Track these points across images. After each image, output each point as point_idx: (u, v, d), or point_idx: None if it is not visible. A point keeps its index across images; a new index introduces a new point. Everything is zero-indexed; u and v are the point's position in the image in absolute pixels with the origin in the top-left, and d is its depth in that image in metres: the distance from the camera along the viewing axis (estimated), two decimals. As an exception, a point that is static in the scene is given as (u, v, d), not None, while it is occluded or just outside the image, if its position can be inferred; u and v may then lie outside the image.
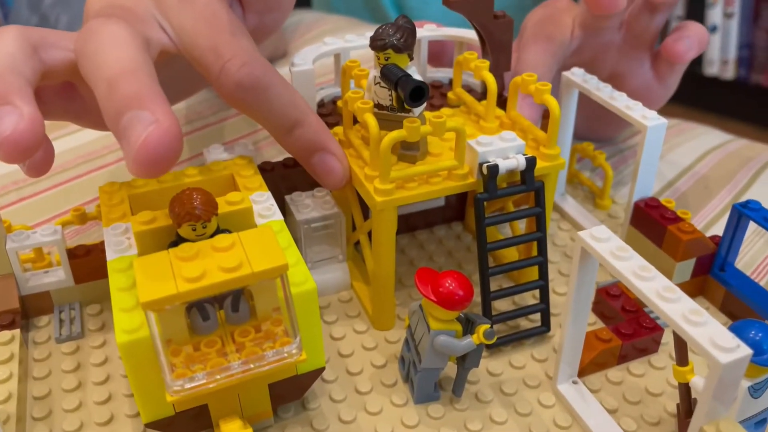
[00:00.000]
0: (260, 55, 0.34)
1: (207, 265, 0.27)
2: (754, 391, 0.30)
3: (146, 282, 0.26)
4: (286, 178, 0.42)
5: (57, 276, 0.39)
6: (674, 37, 0.47)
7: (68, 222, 0.42)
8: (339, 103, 0.42)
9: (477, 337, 0.32)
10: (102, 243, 0.40)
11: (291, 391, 0.33)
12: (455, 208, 0.47)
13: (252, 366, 0.28)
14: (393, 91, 0.35)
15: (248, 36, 0.35)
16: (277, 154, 0.57)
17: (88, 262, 0.39)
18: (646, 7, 0.46)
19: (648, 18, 0.47)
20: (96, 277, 0.40)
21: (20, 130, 0.28)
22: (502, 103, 0.41)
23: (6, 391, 0.33)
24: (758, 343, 0.29)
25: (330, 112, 0.43)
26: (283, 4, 0.41)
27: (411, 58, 0.35)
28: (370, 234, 0.38)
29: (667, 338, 0.38)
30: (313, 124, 0.36)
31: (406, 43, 0.34)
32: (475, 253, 0.45)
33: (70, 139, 0.59)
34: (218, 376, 0.27)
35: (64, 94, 0.37)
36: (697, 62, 1.47)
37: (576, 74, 0.44)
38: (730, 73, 1.49)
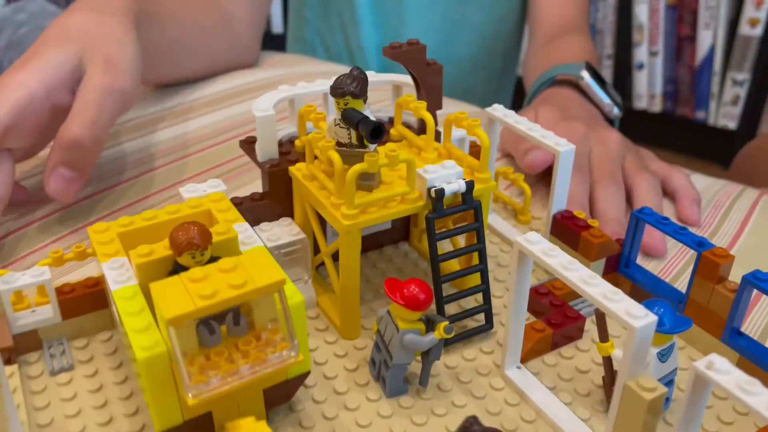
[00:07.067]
0: None
1: (217, 284, 0.31)
2: (662, 356, 0.37)
3: (166, 302, 0.31)
4: (252, 211, 0.47)
5: (45, 314, 0.42)
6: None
7: (47, 264, 0.45)
8: (297, 142, 0.48)
9: (438, 333, 0.38)
10: (87, 279, 0.43)
11: (281, 395, 0.38)
12: (400, 229, 0.54)
13: (258, 369, 0.32)
14: (352, 131, 0.41)
15: None
16: (236, 187, 0.61)
17: (73, 300, 0.42)
18: None
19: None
20: (81, 313, 0.43)
21: None
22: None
23: (15, 420, 0.36)
24: (661, 316, 0.36)
25: (288, 150, 0.48)
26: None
27: (365, 102, 0.41)
28: (333, 256, 0.43)
29: (588, 326, 0.46)
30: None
31: (362, 90, 0.40)
32: (422, 268, 0.51)
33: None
34: (230, 379, 0.32)
35: None
36: (627, 97, 1.60)
37: (497, 110, 0.52)
38: (657, 106, 1.62)
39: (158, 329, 0.33)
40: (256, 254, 0.34)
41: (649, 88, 1.58)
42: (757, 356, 0.41)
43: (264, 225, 0.46)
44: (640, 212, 0.46)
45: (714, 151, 1.62)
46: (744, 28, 1.43)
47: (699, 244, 0.43)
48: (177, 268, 0.36)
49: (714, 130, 1.61)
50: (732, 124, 1.56)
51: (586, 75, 0.66)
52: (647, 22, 1.53)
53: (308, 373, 0.38)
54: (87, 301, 0.43)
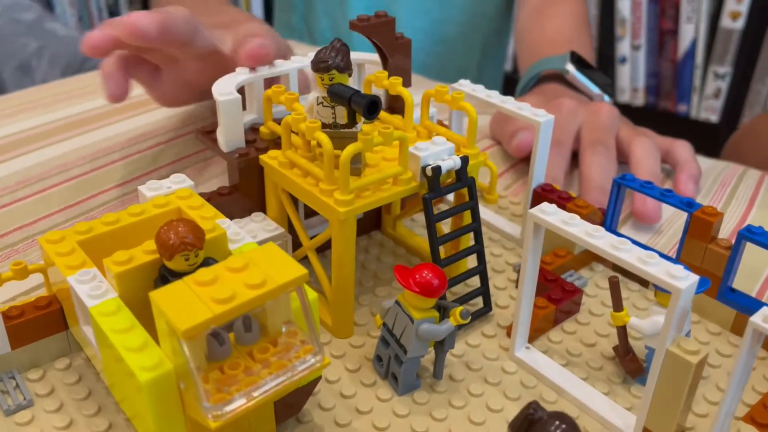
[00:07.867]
0: None
1: (232, 286, 0.27)
2: (678, 319, 0.37)
3: (176, 312, 0.26)
4: (222, 207, 0.41)
5: (-10, 344, 0.36)
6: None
7: (-19, 287, 0.38)
8: (263, 128, 0.44)
9: (454, 319, 0.36)
10: (38, 300, 0.37)
11: (291, 406, 0.34)
12: (371, 218, 0.50)
13: (284, 378, 0.28)
14: (337, 110, 0.37)
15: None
16: (203, 180, 0.56)
17: (23, 325, 0.36)
18: None
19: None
20: (33, 339, 0.37)
21: None
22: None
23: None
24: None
25: (254, 138, 0.44)
26: None
27: (350, 75, 0.37)
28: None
29: (584, 299, 0.45)
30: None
31: (347, 62, 0.37)
32: (403, 255, 0.49)
33: None
34: (254, 394, 0.28)
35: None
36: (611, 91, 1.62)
37: (464, 85, 0.50)
38: (640, 100, 1.61)
39: (157, 345, 0.28)
40: (268, 250, 0.29)
41: (631, 82, 1.60)
42: (754, 311, 0.41)
43: (236, 222, 0.42)
44: (622, 178, 0.46)
45: (697, 144, 1.62)
46: (726, 22, 1.45)
47: (688, 205, 0.43)
48: (165, 274, 0.31)
49: (696, 123, 1.60)
50: (714, 117, 1.57)
51: (571, 68, 0.65)
52: (630, 16, 1.53)
53: (319, 378, 0.34)
54: (40, 326, 0.36)
